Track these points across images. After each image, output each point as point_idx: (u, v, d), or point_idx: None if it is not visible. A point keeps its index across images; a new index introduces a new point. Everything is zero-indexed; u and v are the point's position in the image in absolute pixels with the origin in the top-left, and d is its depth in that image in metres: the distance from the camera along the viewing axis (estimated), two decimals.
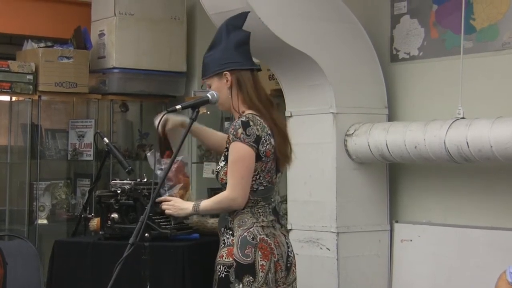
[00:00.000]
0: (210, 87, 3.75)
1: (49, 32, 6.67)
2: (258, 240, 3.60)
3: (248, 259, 3.57)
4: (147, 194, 4.52)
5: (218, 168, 3.70)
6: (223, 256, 3.64)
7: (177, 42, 6.62)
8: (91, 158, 6.47)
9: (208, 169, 6.25)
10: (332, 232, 4.72)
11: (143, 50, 6.48)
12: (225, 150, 3.66)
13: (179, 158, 3.99)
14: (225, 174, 3.64)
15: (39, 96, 6.22)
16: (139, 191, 4.52)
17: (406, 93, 4.96)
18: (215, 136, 4.07)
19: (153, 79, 6.57)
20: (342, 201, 4.74)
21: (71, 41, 6.44)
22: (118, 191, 4.53)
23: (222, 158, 3.68)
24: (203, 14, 5.14)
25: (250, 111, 3.67)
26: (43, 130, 6.44)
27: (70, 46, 6.37)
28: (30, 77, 6.11)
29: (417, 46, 4.90)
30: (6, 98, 6.30)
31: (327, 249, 4.75)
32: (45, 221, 6.36)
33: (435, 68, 4.81)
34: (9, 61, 6.11)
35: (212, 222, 4.83)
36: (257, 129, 3.60)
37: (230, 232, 3.65)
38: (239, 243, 3.60)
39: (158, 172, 3.97)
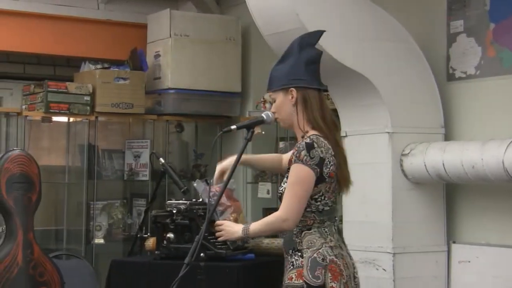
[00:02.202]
0: (274, 101, 3.70)
1: (106, 53, 6.76)
2: (327, 261, 3.54)
3: (319, 281, 3.51)
4: (202, 214, 4.54)
5: (282, 190, 3.63)
6: (292, 278, 3.55)
7: (232, 62, 6.65)
8: (147, 178, 6.51)
9: (263, 189, 6.25)
10: (388, 252, 4.68)
11: (198, 71, 6.52)
12: (288, 171, 3.62)
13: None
14: None
15: (96, 117, 6.30)
16: (194, 211, 4.54)
17: (462, 112, 4.91)
18: (268, 160, 4.11)
19: (208, 99, 6.60)
20: (398, 222, 4.70)
21: (127, 62, 6.52)
22: (174, 211, 4.56)
23: (285, 179, 3.64)
24: (258, 35, 5.16)
25: (314, 132, 3.62)
26: (99, 150, 6.52)
27: (126, 67, 6.45)
28: (87, 98, 6.19)
29: (474, 64, 4.85)
30: (64, 119, 6.39)
31: (383, 270, 4.70)
32: (101, 241, 6.42)
33: (492, 87, 4.75)
34: (67, 83, 6.21)
35: (267, 242, 4.82)
36: (321, 151, 3.55)
37: (299, 254, 3.57)
38: (308, 264, 3.53)
39: (207, 200, 3.98)
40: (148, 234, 5.30)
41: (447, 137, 4.90)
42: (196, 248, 3.36)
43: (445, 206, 4.89)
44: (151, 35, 6.65)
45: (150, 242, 5.06)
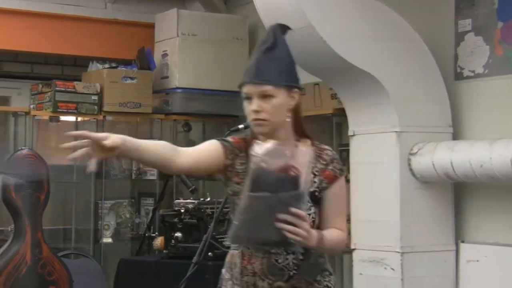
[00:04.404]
0: (263, 96, 2.90)
1: (113, 53, 6.77)
2: None
3: None
4: (210, 213, 4.55)
5: (313, 217, 2.91)
6: None
7: (239, 62, 6.64)
8: (154, 177, 6.52)
9: None
10: (397, 252, 4.67)
11: (206, 70, 6.52)
12: (317, 191, 2.94)
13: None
14: (318, 216, 2.95)
15: (104, 117, 6.30)
16: (202, 210, 4.55)
17: (471, 111, 4.90)
18: (156, 151, 2.83)
19: (216, 99, 6.60)
20: (406, 221, 4.69)
21: (134, 62, 6.53)
22: (182, 210, 4.58)
23: (311, 204, 2.90)
24: (265, 34, 5.15)
25: (304, 139, 3.02)
26: None
27: (134, 67, 6.45)
28: (95, 97, 6.20)
29: (482, 63, 4.83)
30: (72, 118, 6.40)
31: (392, 269, 4.69)
32: (109, 240, 6.43)
33: (500, 85, 4.74)
34: (75, 82, 6.22)
35: None
36: None
37: (327, 273, 3.00)
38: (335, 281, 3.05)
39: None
40: (156, 233, 5.31)
41: (455, 136, 4.89)
42: (204, 247, 3.37)
43: (454, 205, 4.87)
44: (159, 35, 6.66)
45: (158, 241, 5.07)
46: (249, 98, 2.94)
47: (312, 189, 2.90)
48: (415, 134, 4.77)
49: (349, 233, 5.14)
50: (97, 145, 2.71)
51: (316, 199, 2.92)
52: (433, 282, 4.77)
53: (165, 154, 2.82)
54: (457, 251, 4.83)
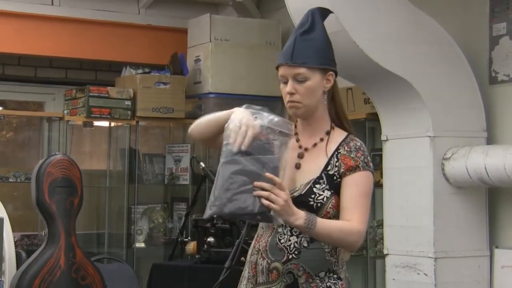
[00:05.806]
0: (298, 79, 2.99)
1: (147, 58, 6.80)
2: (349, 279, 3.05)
3: None
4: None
5: (323, 199, 2.90)
6: None
7: (272, 67, 6.55)
8: (187, 182, 6.53)
9: None
10: (430, 257, 4.64)
11: (239, 75, 6.53)
12: (336, 176, 2.94)
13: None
14: (333, 207, 2.91)
15: (137, 122, 6.34)
16: None
17: (505, 115, 4.85)
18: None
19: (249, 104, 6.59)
20: (439, 226, 4.66)
21: (168, 67, 6.55)
22: (214, 215, 4.57)
23: (326, 185, 2.91)
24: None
25: (341, 129, 3.05)
26: (140, 154, 6.56)
27: (167, 72, 6.48)
28: (128, 102, 6.24)
29: None
30: (105, 123, 6.44)
31: (425, 274, 4.66)
32: (142, 245, 6.45)
33: None
34: (108, 88, 6.26)
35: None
36: None
37: (335, 276, 2.93)
38: (349, 286, 2.99)
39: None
40: (189, 238, 5.32)
41: (490, 140, 4.85)
42: (237, 252, 3.36)
43: (488, 210, 4.83)
44: (192, 40, 6.68)
45: (191, 246, 5.08)
46: (285, 80, 3.06)
47: (331, 172, 2.93)
48: (449, 139, 4.74)
49: (382, 238, 5.12)
50: None
51: (334, 184, 2.92)
52: None
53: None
54: (491, 257, 4.79)
